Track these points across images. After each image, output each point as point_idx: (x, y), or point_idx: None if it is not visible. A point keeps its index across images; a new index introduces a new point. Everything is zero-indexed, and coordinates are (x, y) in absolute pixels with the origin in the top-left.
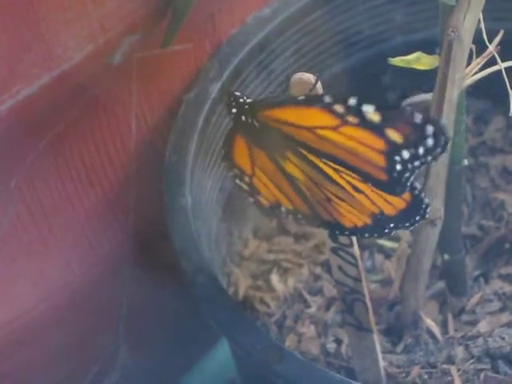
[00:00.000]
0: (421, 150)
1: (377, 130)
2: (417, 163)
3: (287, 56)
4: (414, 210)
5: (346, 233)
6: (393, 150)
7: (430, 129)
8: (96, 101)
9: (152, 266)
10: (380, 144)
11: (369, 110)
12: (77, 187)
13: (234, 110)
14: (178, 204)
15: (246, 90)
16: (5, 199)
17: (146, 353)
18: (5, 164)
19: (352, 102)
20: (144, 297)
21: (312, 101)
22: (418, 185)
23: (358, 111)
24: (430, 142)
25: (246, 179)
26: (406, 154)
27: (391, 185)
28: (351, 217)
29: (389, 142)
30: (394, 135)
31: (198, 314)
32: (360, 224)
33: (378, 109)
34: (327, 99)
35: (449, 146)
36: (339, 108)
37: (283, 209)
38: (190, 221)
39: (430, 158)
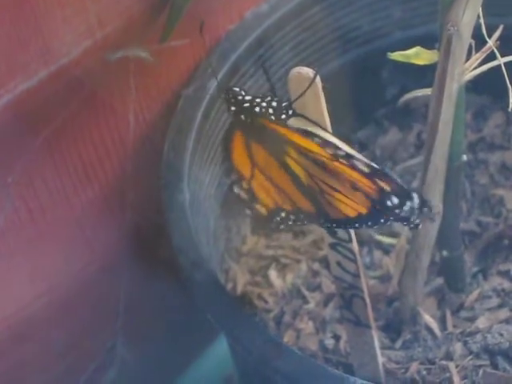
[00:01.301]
0: (408, 204)
1: (366, 175)
2: (400, 213)
3: (286, 51)
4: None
5: (348, 225)
6: (382, 194)
7: (415, 196)
8: (94, 96)
9: (150, 262)
10: (370, 184)
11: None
12: (74, 183)
13: (233, 108)
14: (175, 200)
15: (245, 85)
16: (2, 195)
17: (143, 349)
18: (2, 159)
19: (341, 153)
20: (142, 293)
21: (308, 134)
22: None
23: (348, 158)
24: (416, 202)
25: (245, 185)
26: (395, 200)
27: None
28: (345, 207)
29: (378, 186)
30: (383, 184)
31: (195, 311)
32: (354, 214)
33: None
34: (317, 140)
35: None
36: (329, 150)
37: (283, 214)
38: (188, 217)
39: (414, 217)
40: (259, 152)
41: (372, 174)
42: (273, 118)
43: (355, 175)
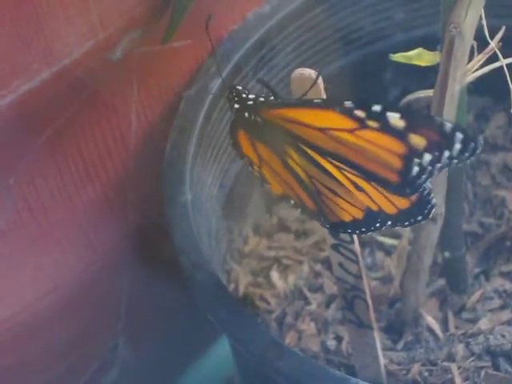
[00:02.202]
0: (446, 154)
1: (399, 134)
2: (438, 165)
3: (288, 52)
4: (417, 210)
5: (343, 229)
6: (413, 153)
7: (459, 136)
8: (96, 96)
9: (151, 263)
10: (400, 147)
11: (394, 116)
12: (76, 183)
13: (236, 106)
14: (177, 200)
15: (247, 86)
16: (4, 195)
17: (145, 350)
18: (4, 159)
19: (376, 108)
20: (143, 293)
21: (329, 104)
22: (429, 185)
23: (380, 116)
24: (457, 147)
25: (256, 168)
26: (427, 157)
27: (401, 186)
28: (340, 211)
29: (410, 146)
30: (417, 139)
31: (197, 312)
32: (348, 219)
33: (404, 116)
34: (348, 104)
35: (479, 151)
36: (360, 113)
37: (292, 201)
38: (190, 217)
39: (455, 161)
40: (263, 149)
41: (407, 129)
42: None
43: (384, 141)
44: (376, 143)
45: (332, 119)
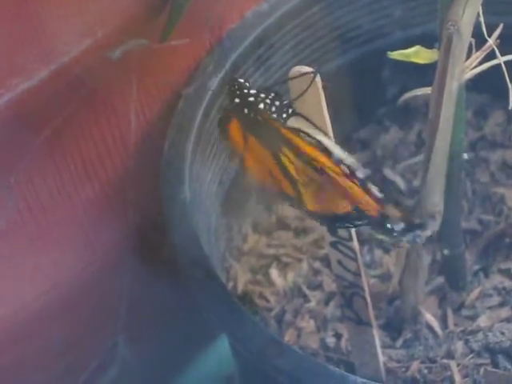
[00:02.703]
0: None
1: (378, 200)
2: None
3: (286, 50)
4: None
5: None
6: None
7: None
8: (95, 95)
9: (151, 261)
10: (377, 207)
11: (375, 188)
12: (75, 182)
13: (237, 100)
14: (176, 198)
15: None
16: (5, 194)
17: (144, 349)
18: (4, 159)
19: (360, 174)
20: (143, 292)
21: (323, 150)
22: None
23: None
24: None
25: (238, 153)
26: (400, 226)
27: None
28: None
29: (385, 212)
30: (393, 210)
31: (197, 310)
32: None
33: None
34: (335, 159)
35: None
36: (344, 168)
37: (268, 189)
38: (189, 215)
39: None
40: (253, 141)
41: (386, 200)
42: (275, 115)
43: (366, 197)
44: (358, 192)
45: (325, 161)
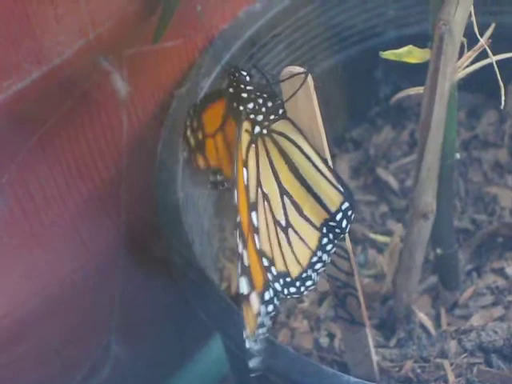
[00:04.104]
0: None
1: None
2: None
3: (279, 50)
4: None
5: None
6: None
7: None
8: (87, 96)
9: (144, 262)
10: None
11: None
12: (68, 183)
13: (231, 90)
14: (169, 199)
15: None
16: None
17: (138, 348)
18: None
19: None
20: (136, 292)
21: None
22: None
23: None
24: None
25: (200, 135)
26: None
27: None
28: None
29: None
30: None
31: (190, 310)
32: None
33: None
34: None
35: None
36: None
37: (219, 177)
38: (182, 216)
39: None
40: (231, 126)
41: None
42: (260, 117)
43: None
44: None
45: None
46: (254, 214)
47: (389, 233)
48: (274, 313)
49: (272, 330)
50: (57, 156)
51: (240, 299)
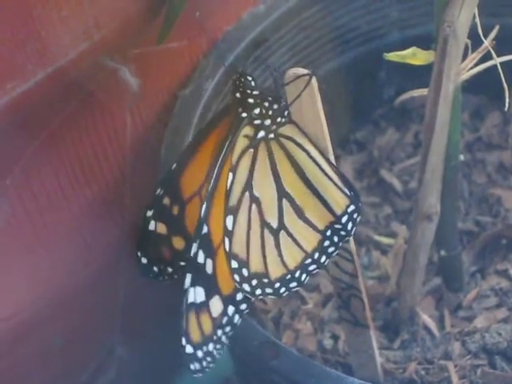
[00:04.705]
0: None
1: None
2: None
3: (283, 52)
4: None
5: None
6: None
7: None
8: (91, 98)
9: None
10: None
11: None
12: (72, 185)
13: (237, 95)
14: None
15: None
16: (0, 197)
17: (142, 350)
18: (0, 161)
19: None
20: (140, 294)
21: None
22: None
23: None
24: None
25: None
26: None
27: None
28: None
29: None
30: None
31: None
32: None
33: None
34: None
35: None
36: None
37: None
38: None
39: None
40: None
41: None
42: (267, 121)
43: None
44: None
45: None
46: (229, 218)
47: (393, 234)
48: (234, 324)
49: (276, 331)
50: (61, 157)
51: (185, 308)
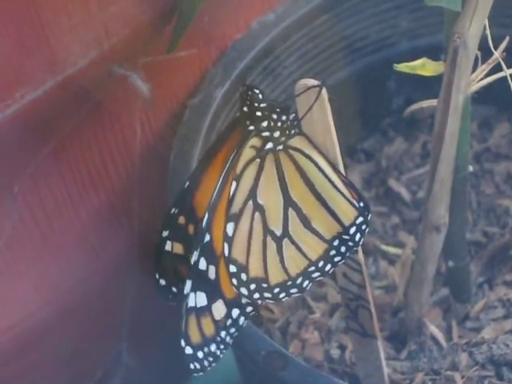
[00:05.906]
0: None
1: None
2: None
3: (292, 61)
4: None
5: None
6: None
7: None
8: (100, 106)
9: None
10: None
11: None
12: (80, 192)
13: (245, 109)
14: None
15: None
16: (8, 204)
17: (148, 357)
18: (9, 168)
19: None
20: (147, 301)
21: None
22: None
23: None
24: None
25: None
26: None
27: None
28: None
29: None
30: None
31: None
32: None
33: None
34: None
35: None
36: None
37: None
38: None
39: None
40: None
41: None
42: (277, 133)
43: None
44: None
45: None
46: (230, 225)
47: (400, 244)
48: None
49: (283, 341)
50: (69, 165)
51: (186, 312)
